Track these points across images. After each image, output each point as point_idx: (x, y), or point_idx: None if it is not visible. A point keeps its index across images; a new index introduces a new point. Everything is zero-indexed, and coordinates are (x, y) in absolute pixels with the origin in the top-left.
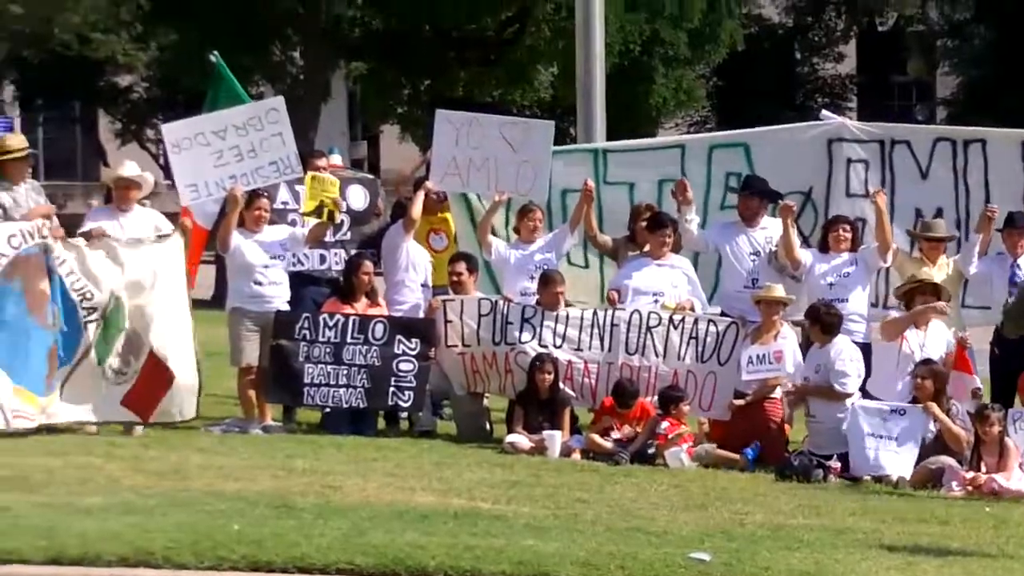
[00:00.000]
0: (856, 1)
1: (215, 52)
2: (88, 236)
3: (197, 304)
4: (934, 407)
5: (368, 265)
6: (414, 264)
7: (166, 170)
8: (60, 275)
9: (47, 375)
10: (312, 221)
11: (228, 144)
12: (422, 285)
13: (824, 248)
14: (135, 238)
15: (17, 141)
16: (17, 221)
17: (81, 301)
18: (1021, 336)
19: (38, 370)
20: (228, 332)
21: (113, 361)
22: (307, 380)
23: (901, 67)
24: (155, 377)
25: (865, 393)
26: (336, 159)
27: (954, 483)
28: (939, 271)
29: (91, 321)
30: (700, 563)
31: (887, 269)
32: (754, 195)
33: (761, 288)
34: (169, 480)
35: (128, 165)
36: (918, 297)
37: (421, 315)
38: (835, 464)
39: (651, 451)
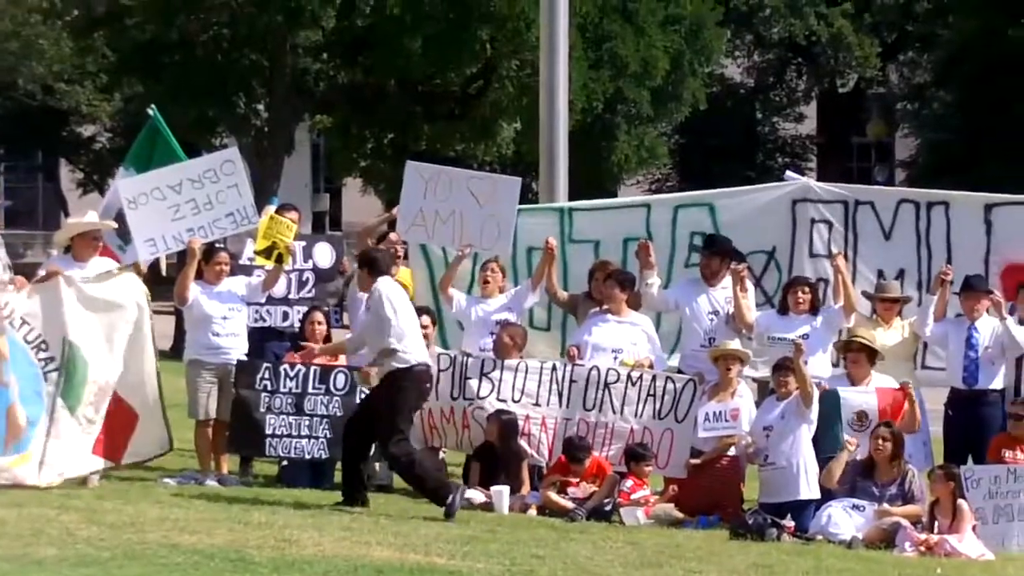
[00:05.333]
0: (817, 62)
1: (152, 106)
2: (44, 281)
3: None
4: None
5: (319, 315)
6: None
7: (121, 221)
8: (12, 329)
9: (5, 435)
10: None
11: (184, 197)
12: None
13: (784, 310)
14: (86, 277)
15: None
16: None
17: (36, 352)
18: (975, 398)
19: None
20: (186, 384)
21: (87, 411)
22: (268, 431)
23: (861, 128)
24: (119, 418)
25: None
26: (271, 209)
27: (907, 544)
28: (894, 332)
29: (50, 371)
30: None
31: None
32: (716, 254)
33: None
34: (125, 532)
35: (90, 214)
36: (849, 355)
37: None
38: (789, 523)
39: (608, 507)
